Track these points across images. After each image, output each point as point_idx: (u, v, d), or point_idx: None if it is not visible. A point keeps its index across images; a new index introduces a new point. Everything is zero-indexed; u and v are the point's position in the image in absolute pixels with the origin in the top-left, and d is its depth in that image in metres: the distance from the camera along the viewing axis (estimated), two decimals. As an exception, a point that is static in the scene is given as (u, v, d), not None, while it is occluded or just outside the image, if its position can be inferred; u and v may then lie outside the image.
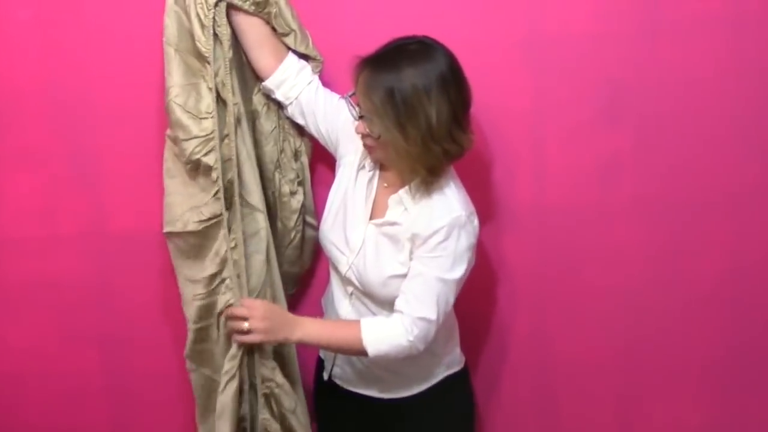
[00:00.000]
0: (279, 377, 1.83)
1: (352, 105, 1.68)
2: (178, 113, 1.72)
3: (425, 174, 1.65)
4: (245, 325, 1.67)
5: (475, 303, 1.96)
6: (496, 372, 2.11)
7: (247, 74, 1.85)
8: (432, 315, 1.66)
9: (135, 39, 1.95)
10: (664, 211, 2.00)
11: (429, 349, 1.74)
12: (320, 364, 1.99)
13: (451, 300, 1.70)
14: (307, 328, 1.70)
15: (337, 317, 1.84)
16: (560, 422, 2.13)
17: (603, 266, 2.02)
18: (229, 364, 1.78)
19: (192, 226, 1.77)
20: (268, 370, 1.83)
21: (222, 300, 1.80)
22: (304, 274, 2.07)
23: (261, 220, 1.81)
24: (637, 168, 1.98)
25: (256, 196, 1.80)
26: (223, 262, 1.78)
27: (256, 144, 1.88)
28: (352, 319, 1.77)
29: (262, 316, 1.68)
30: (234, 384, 1.78)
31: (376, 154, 1.70)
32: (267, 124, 1.89)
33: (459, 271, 1.67)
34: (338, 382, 1.91)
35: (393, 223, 1.71)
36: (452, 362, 1.87)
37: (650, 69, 1.93)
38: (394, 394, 1.85)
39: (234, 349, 1.77)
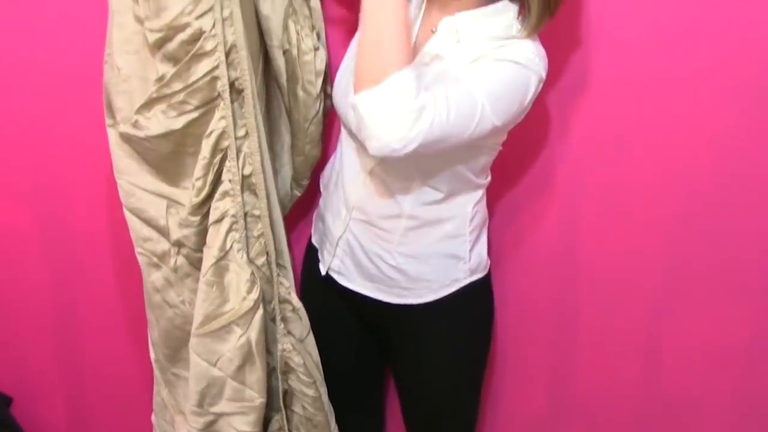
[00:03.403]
0: (295, 299, 1.49)
1: None
2: None
3: (536, 11, 1.27)
4: None
5: (500, 184, 1.63)
6: (515, 272, 1.80)
7: None
8: (442, 119, 1.22)
9: None
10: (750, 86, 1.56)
11: (452, 252, 1.48)
12: (311, 255, 1.65)
13: (465, 128, 1.26)
14: None
15: (344, 200, 1.48)
16: (579, 331, 1.83)
17: (657, 143, 1.63)
18: (252, 293, 1.41)
19: (167, 125, 1.31)
20: (285, 289, 1.49)
21: (220, 207, 1.38)
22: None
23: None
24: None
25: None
26: (223, 161, 1.35)
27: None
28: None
29: None
30: (259, 315, 1.42)
31: None
32: None
33: (501, 119, 1.28)
34: (337, 278, 1.58)
35: (434, 57, 1.32)
36: (477, 267, 1.56)
37: None
38: (406, 299, 1.54)
39: (247, 267, 1.40)
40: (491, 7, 1.30)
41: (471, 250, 1.51)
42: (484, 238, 1.56)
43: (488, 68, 1.27)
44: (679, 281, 1.75)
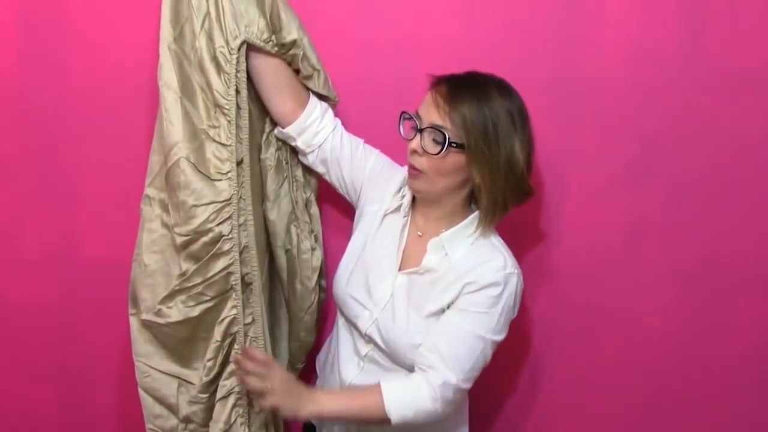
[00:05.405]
0: None
1: (410, 118, 1.51)
2: (190, 174, 1.45)
3: (485, 208, 1.49)
4: (268, 385, 1.42)
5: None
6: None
7: (255, 122, 1.58)
8: (460, 377, 1.47)
9: (121, 48, 1.72)
10: (690, 282, 1.80)
11: (439, 427, 1.59)
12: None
13: (482, 364, 1.51)
14: (320, 402, 1.48)
15: (339, 382, 1.62)
16: None
17: (619, 338, 1.83)
18: None
19: (186, 313, 1.51)
20: None
21: (227, 385, 1.57)
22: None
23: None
24: (665, 233, 1.77)
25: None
26: (232, 344, 1.54)
27: (263, 198, 1.64)
28: (364, 386, 1.55)
29: (280, 377, 1.45)
30: None
31: (421, 183, 1.50)
32: (278, 175, 1.64)
33: (503, 333, 1.51)
34: None
35: (428, 270, 1.52)
36: None
37: (687, 123, 1.72)
38: None
39: None
40: (468, 220, 1.52)
41: (455, 425, 1.65)
42: (465, 412, 1.69)
43: (476, 302, 1.48)
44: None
